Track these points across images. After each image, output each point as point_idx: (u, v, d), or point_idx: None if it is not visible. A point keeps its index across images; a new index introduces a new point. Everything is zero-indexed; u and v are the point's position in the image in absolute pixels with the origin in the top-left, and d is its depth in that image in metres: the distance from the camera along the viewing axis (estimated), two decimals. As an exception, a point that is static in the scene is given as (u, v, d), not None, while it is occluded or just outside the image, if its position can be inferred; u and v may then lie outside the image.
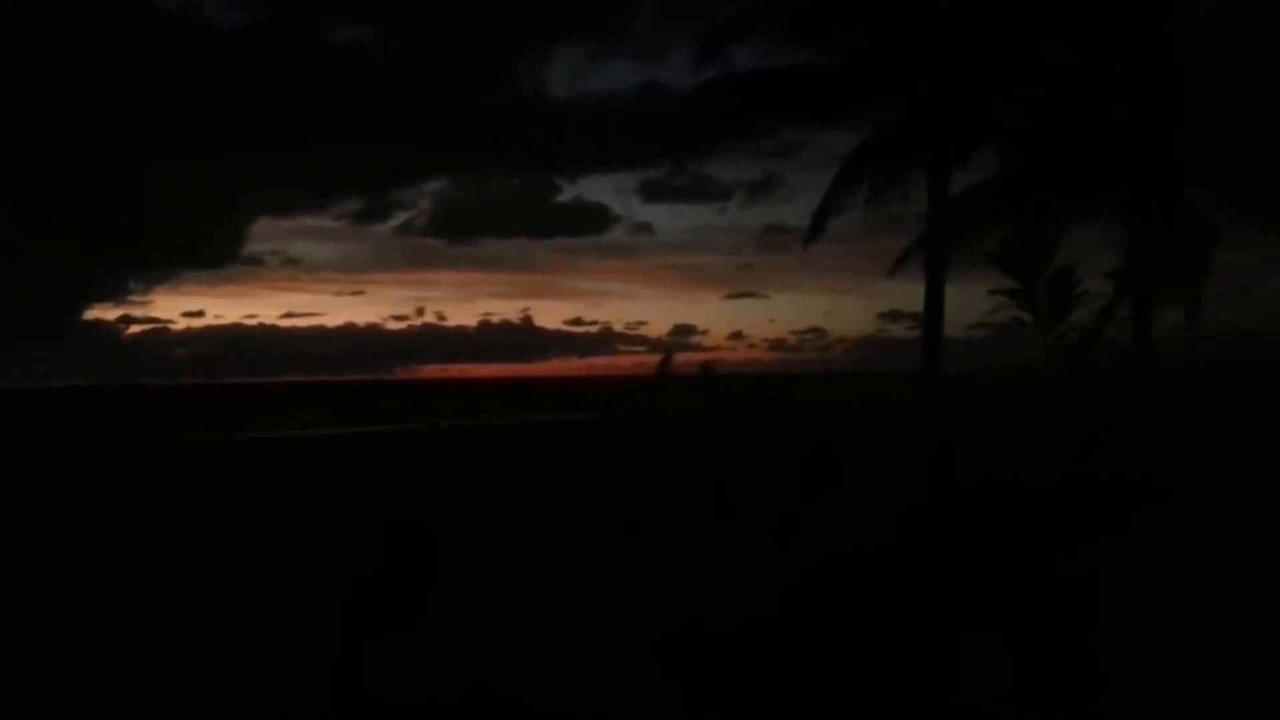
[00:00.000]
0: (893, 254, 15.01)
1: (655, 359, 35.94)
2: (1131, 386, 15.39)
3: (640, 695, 5.99)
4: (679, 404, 35.17)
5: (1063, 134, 12.93)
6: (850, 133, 13.64)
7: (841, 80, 13.31)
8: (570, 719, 5.77)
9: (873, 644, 6.67)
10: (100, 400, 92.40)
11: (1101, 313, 20.74)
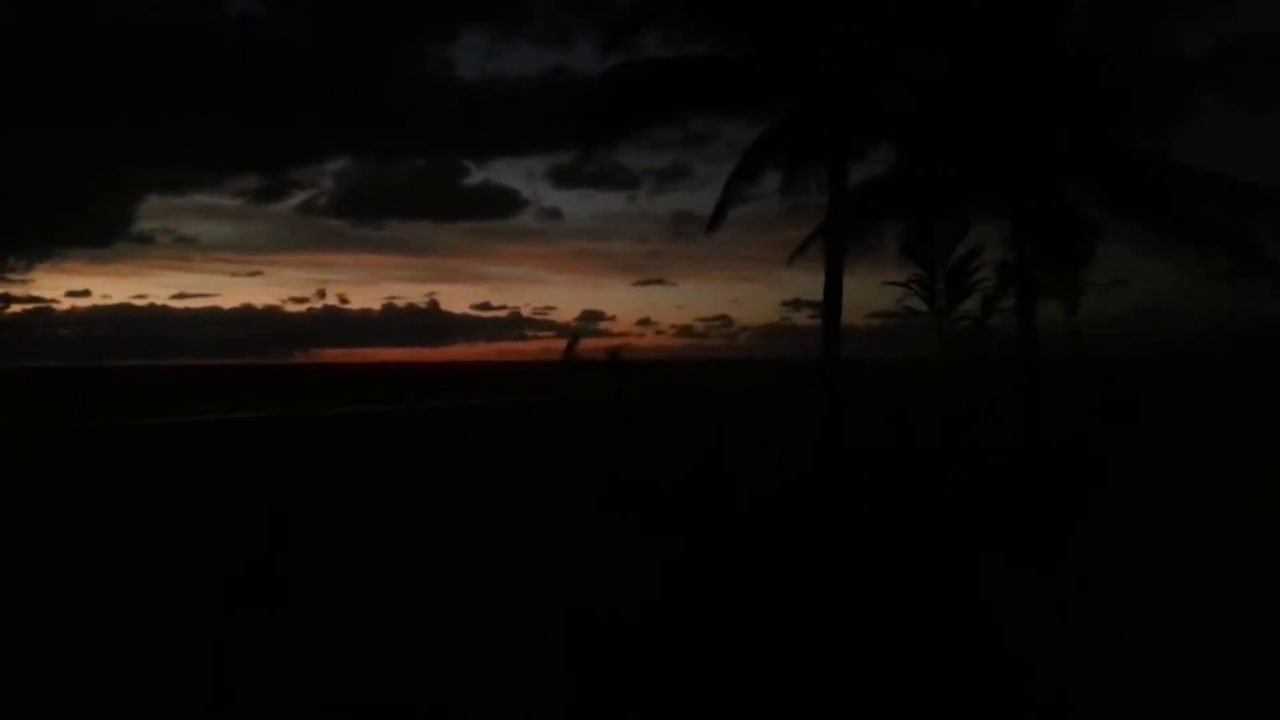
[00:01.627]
0: (795, 243, 15.35)
1: (563, 344, 35.99)
2: (1010, 375, 16.14)
3: (529, 683, 6.00)
4: (585, 389, 35.23)
5: (947, 131, 13.41)
6: (754, 124, 13.84)
7: (743, 72, 13.46)
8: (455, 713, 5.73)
9: (754, 614, 6.86)
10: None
11: (986, 302, 21.65)
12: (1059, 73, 12.77)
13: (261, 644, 6.60)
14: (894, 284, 22.12)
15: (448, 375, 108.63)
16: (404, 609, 7.76)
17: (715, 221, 14.17)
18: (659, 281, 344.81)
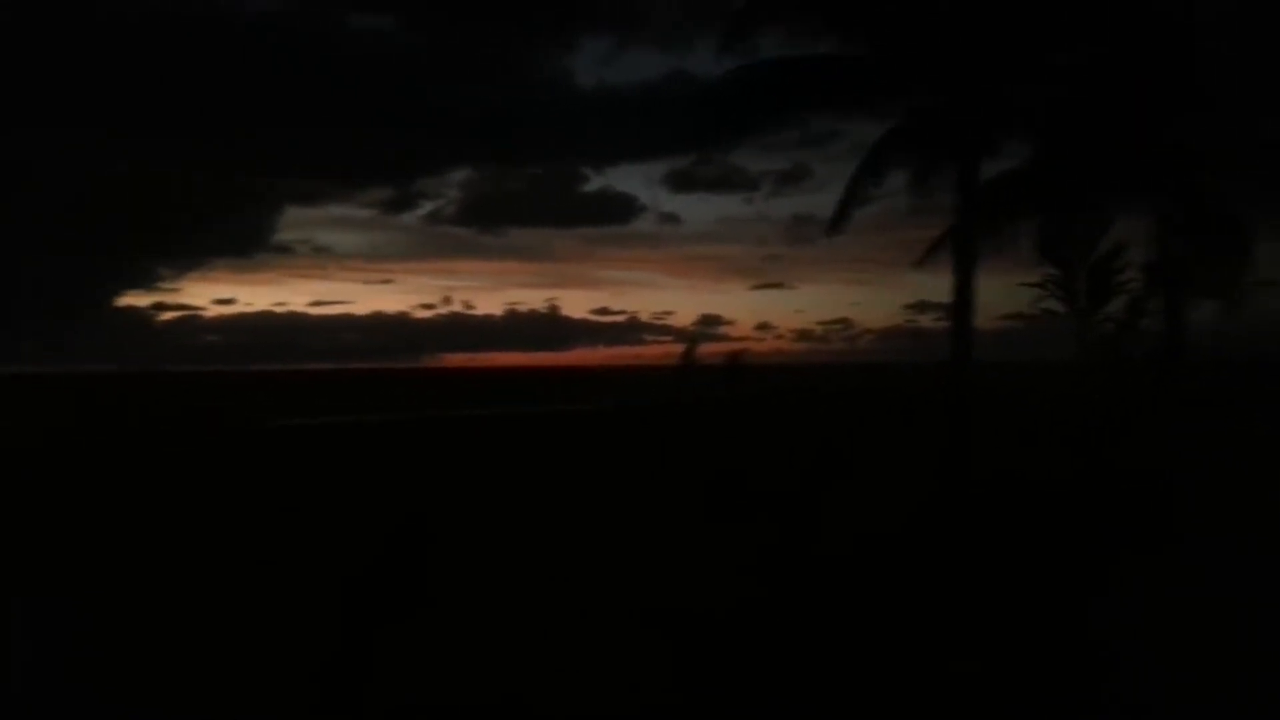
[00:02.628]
0: (920, 244, 14.80)
1: (681, 349, 36.03)
2: (1160, 381, 15.16)
3: (637, 685, 5.94)
4: (705, 393, 35.09)
5: (1087, 124, 12.70)
6: (878, 122, 13.42)
7: (868, 69, 13.07)
8: (569, 712, 5.72)
9: (864, 635, 6.60)
10: (129, 386, 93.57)
11: (1133, 304, 20.42)
12: (1205, 63, 11.95)
13: (391, 639, 6.74)
14: (1029, 285, 21.16)
15: (567, 379, 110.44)
16: (521, 606, 7.86)
17: (838, 222, 13.81)
18: (777, 285, 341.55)
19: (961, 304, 12.65)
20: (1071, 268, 20.55)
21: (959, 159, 12.68)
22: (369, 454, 22.37)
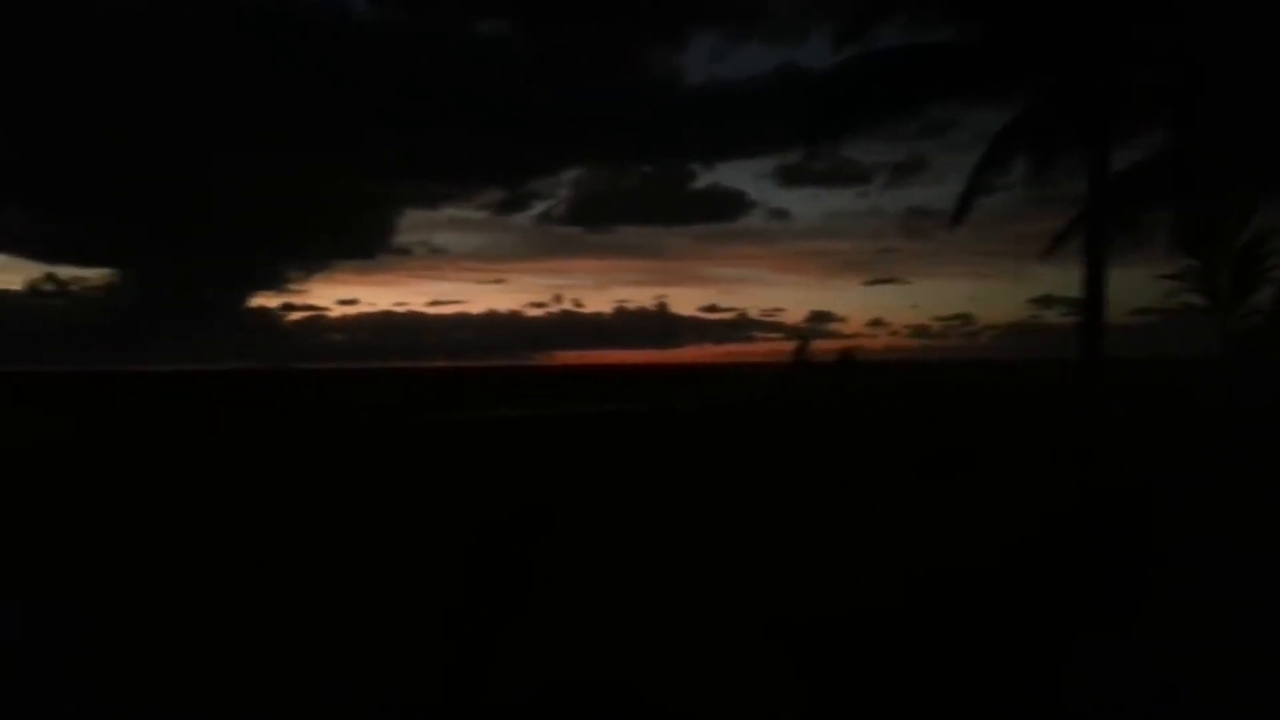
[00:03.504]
0: (1043, 236, 14.27)
1: (792, 346, 35.63)
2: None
3: (757, 685, 5.91)
4: (817, 391, 34.60)
5: (1229, 107, 11.93)
6: (1000, 109, 12.99)
7: (989, 54, 12.67)
8: (688, 712, 5.73)
9: (985, 644, 6.37)
10: (258, 384, 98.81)
11: (1280, 296, 19.09)
12: None
13: (510, 628, 6.93)
14: (1166, 278, 20.03)
15: (676, 376, 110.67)
16: (639, 606, 7.92)
17: (959, 214, 13.43)
18: (892, 280, 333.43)
19: (1092, 298, 12.11)
20: (1212, 258, 19.32)
21: (1088, 146, 12.15)
22: (494, 448, 22.98)
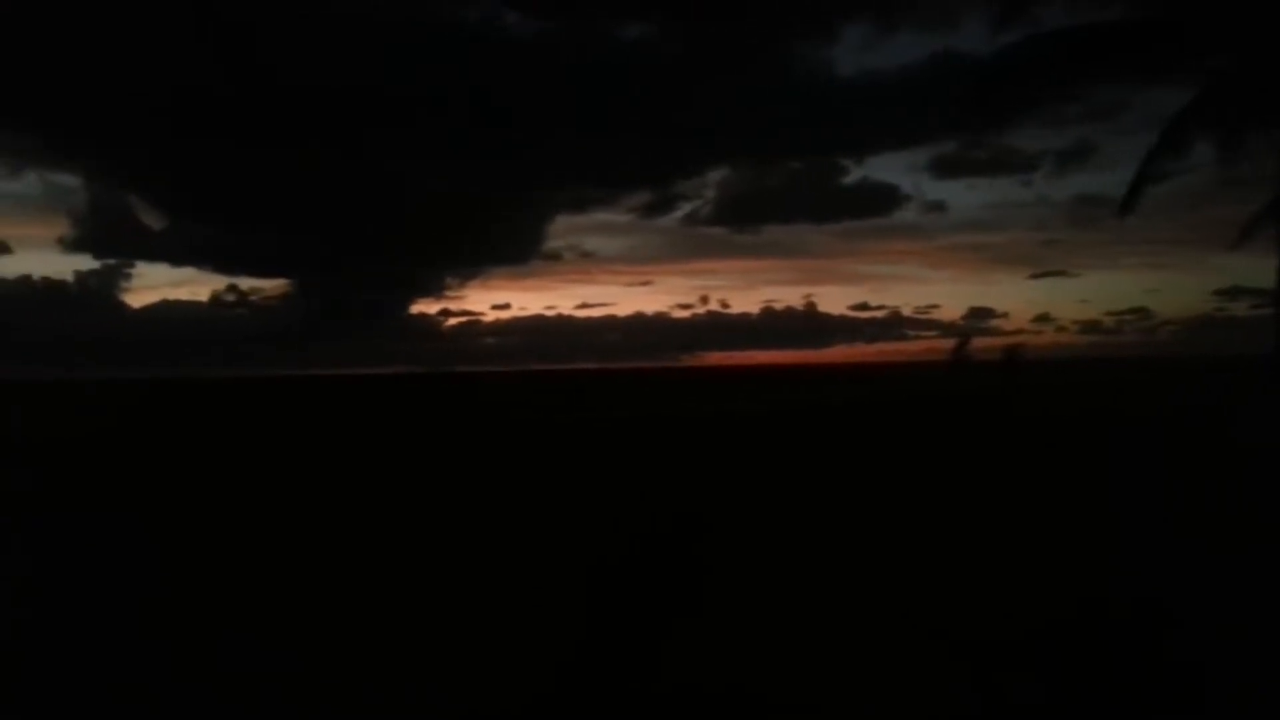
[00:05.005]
0: (1227, 223, 13.35)
1: (949, 344, 34.38)
2: None
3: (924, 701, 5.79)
4: (979, 392, 33.21)
5: None
6: (1176, 90, 12.25)
7: (1163, 32, 11.96)
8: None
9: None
10: (421, 386, 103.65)
11: None
12: None
13: (667, 630, 7.02)
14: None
15: (825, 377, 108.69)
16: (794, 609, 7.88)
17: (1130, 202, 12.74)
18: (1058, 273, 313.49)
19: (1288, 288, 11.26)
20: None
21: (1278, 126, 11.31)
22: (649, 448, 23.36)
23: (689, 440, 25.54)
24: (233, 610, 8.02)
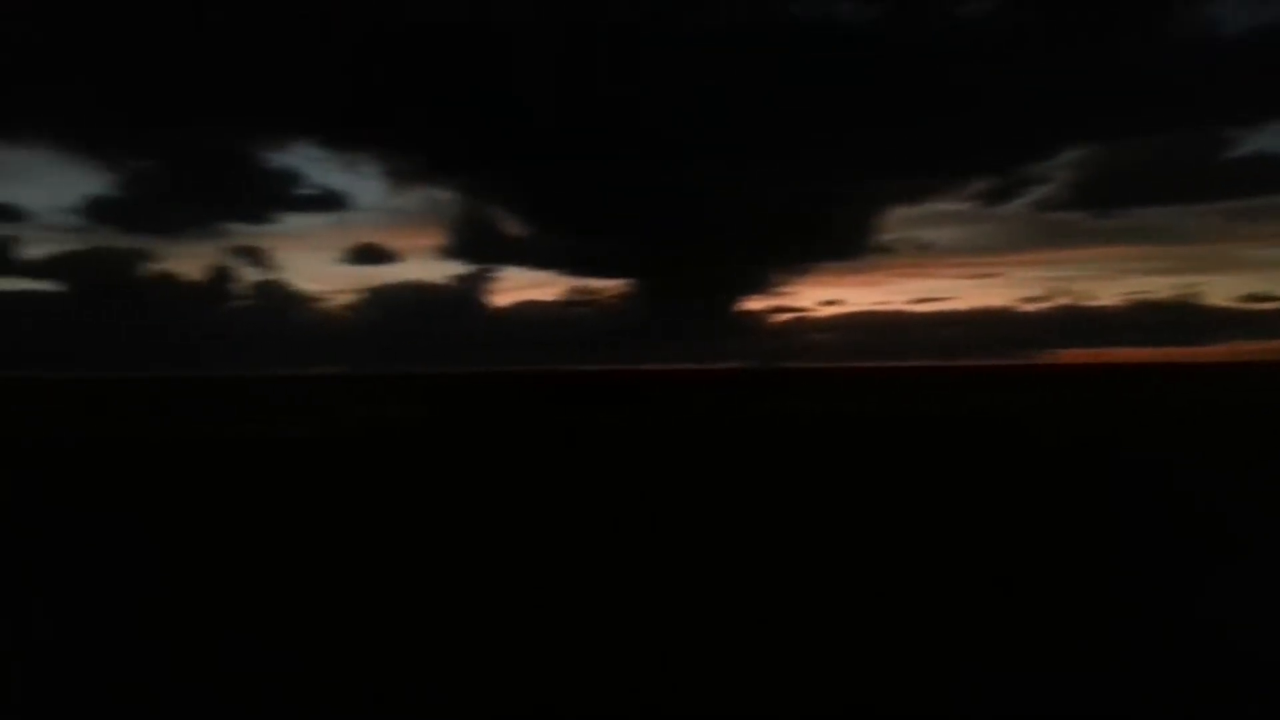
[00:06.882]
0: None
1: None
2: None
3: None
4: None
5: None
6: None
7: None
8: None
9: None
10: (755, 382, 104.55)
11: None
12: None
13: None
14: None
15: (1210, 377, 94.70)
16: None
17: None
18: None
19: None
20: None
21: None
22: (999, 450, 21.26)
23: (1048, 443, 22.86)
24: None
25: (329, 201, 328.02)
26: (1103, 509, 12.91)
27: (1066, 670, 6.16)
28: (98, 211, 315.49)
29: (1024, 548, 10.21)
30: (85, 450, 24.05)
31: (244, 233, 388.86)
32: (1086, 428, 28.95)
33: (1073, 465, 18.42)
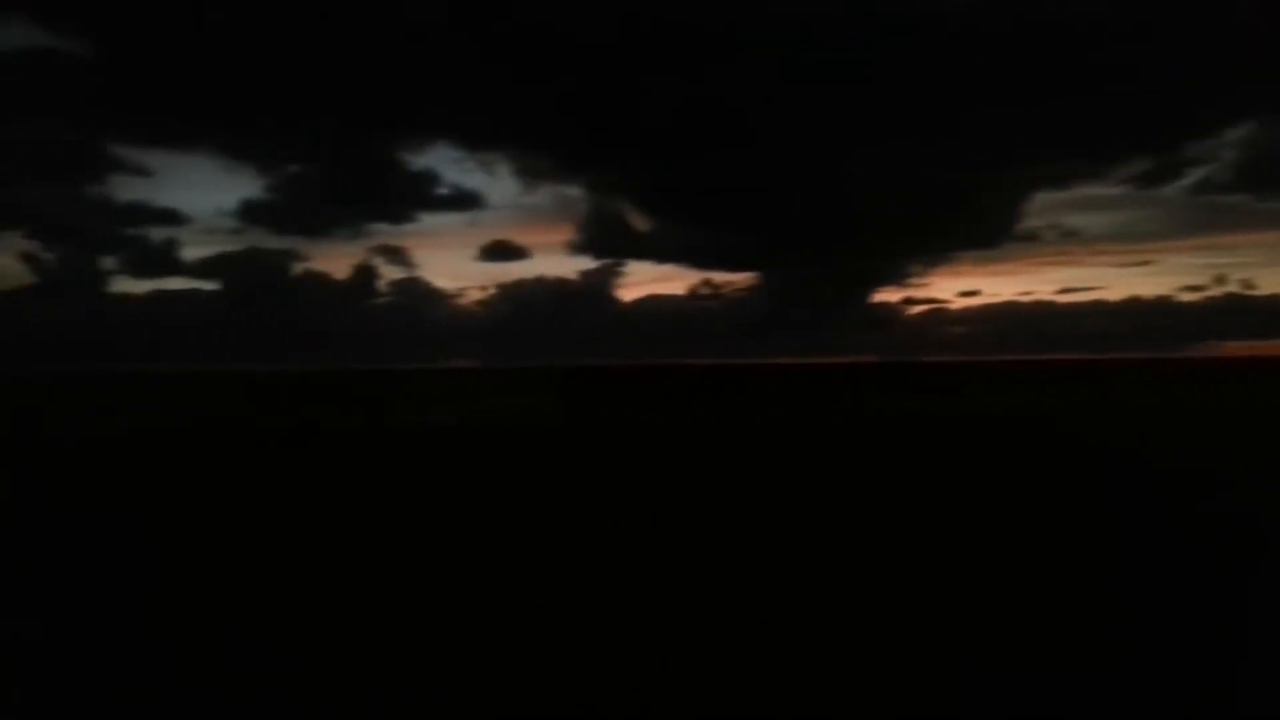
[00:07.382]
0: None
1: None
2: None
3: None
4: None
5: None
6: None
7: None
8: None
9: None
10: (889, 376, 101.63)
11: None
12: None
13: None
14: None
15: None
16: None
17: None
18: None
19: None
20: None
21: None
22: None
23: (1209, 438, 20.86)
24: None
25: (464, 201, 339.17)
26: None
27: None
28: (251, 214, 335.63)
29: (1212, 554, 9.13)
30: (242, 437, 25.16)
31: (385, 232, 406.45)
32: (1251, 423, 26.46)
33: (1240, 464, 16.68)
